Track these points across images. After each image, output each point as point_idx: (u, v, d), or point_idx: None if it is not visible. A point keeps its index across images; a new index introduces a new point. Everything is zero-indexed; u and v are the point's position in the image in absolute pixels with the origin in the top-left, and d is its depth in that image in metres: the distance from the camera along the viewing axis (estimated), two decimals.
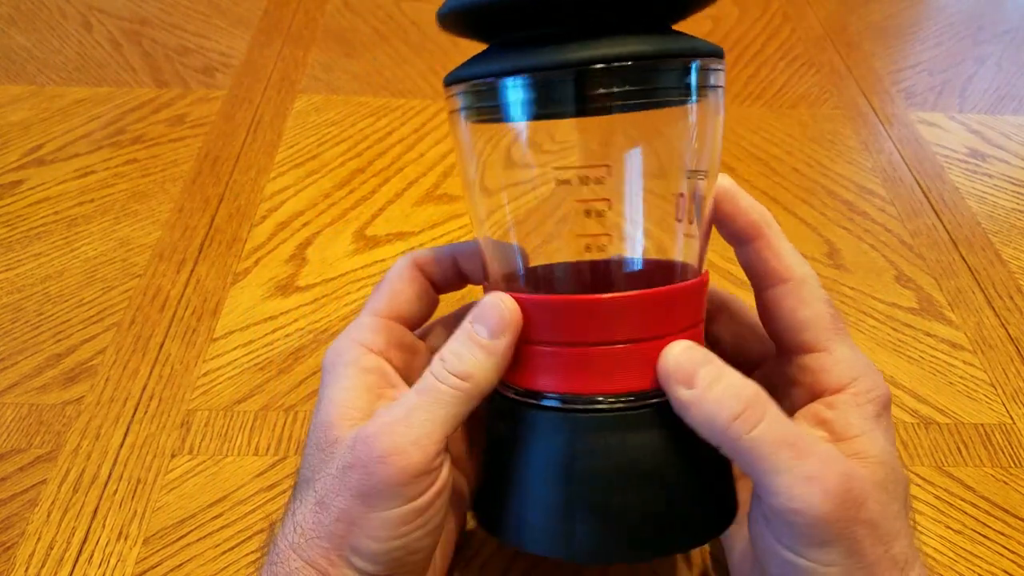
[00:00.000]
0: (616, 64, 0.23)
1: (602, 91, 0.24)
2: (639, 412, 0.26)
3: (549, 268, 0.30)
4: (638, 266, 0.29)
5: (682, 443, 0.26)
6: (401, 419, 0.25)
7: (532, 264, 0.30)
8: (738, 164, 0.57)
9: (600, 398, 0.26)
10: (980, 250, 0.51)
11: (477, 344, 0.26)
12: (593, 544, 0.26)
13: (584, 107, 0.24)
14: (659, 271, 0.29)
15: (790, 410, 0.27)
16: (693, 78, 0.25)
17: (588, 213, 0.27)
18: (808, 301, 0.28)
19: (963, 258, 0.51)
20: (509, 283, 0.29)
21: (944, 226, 0.53)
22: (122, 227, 0.49)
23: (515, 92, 0.25)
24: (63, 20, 0.68)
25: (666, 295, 0.26)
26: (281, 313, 0.45)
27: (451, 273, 0.32)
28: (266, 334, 0.43)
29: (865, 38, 0.73)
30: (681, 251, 0.29)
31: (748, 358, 0.32)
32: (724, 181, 0.29)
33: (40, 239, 0.48)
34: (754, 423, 0.24)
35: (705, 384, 0.25)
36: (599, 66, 0.23)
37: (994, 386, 0.43)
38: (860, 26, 0.75)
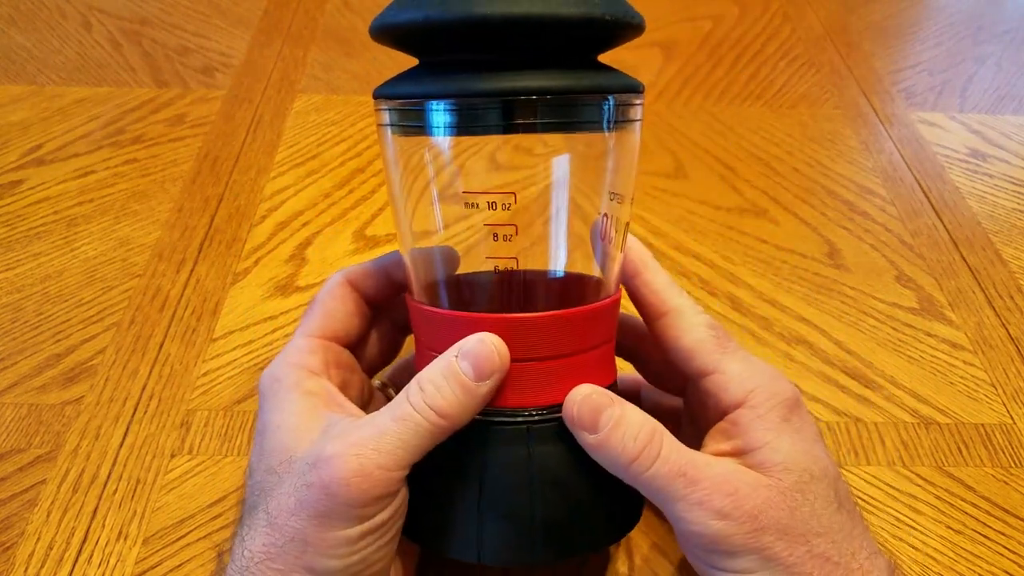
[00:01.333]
0: (534, 97, 0.25)
1: (520, 121, 0.25)
2: (546, 425, 0.27)
3: (469, 281, 0.31)
4: (556, 283, 0.30)
5: (585, 454, 0.27)
6: (370, 441, 0.25)
7: (453, 274, 0.31)
8: (738, 164, 0.57)
9: (512, 411, 0.27)
10: (980, 250, 0.51)
11: (460, 384, 0.26)
12: (500, 548, 0.27)
13: (501, 132, 0.26)
14: (575, 288, 0.30)
15: (705, 429, 0.29)
16: (608, 112, 0.27)
17: (496, 237, 0.28)
18: (687, 329, 0.29)
19: (963, 258, 0.51)
20: (429, 294, 0.30)
21: (944, 226, 0.53)
22: (122, 227, 0.49)
23: (435, 115, 0.26)
24: (63, 20, 0.68)
25: (576, 316, 0.27)
26: (281, 313, 0.45)
27: (383, 284, 0.32)
28: (266, 334, 0.43)
29: (865, 38, 0.73)
30: (596, 271, 0.30)
31: (676, 382, 0.34)
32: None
33: (40, 239, 0.48)
34: (651, 461, 0.26)
35: (606, 429, 0.26)
36: (518, 98, 0.25)
37: (994, 386, 0.43)
38: (860, 26, 0.75)
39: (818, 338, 0.45)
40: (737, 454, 0.27)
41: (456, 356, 0.26)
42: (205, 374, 0.41)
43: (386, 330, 0.34)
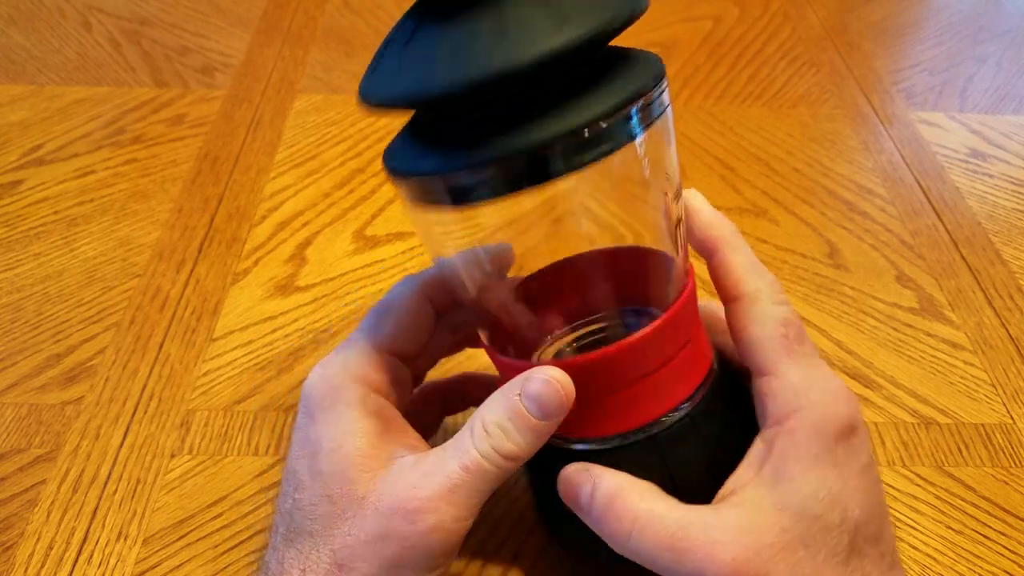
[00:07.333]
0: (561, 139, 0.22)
1: (552, 166, 0.22)
2: (644, 440, 0.27)
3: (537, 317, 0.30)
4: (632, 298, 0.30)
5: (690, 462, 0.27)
6: (444, 494, 0.24)
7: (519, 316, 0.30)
8: (738, 164, 0.57)
9: (625, 433, 0.27)
10: (980, 250, 0.51)
11: (527, 426, 0.25)
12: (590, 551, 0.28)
13: (540, 178, 0.23)
14: (647, 279, 0.29)
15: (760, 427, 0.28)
16: (640, 115, 0.24)
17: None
18: (757, 320, 0.27)
19: (963, 258, 0.51)
20: (498, 340, 0.29)
21: (944, 226, 0.53)
22: (122, 227, 0.49)
23: (464, 183, 0.23)
24: (63, 20, 0.68)
25: (654, 335, 0.26)
26: (281, 313, 0.44)
27: (449, 293, 0.30)
28: (266, 334, 0.43)
29: (865, 38, 0.73)
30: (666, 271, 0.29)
31: None
32: (690, 198, 0.29)
33: (40, 239, 0.48)
34: (630, 534, 0.25)
35: (588, 505, 0.26)
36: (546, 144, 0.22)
37: (994, 386, 0.43)
38: (860, 26, 0.75)
39: (818, 338, 0.45)
40: (763, 483, 0.26)
41: (520, 395, 0.25)
42: (205, 374, 0.41)
43: (441, 339, 0.32)
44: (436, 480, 0.25)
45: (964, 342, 0.45)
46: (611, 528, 0.25)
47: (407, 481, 0.25)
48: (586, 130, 0.22)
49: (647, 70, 0.24)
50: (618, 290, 0.29)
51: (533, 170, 0.22)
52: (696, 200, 0.29)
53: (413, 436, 0.28)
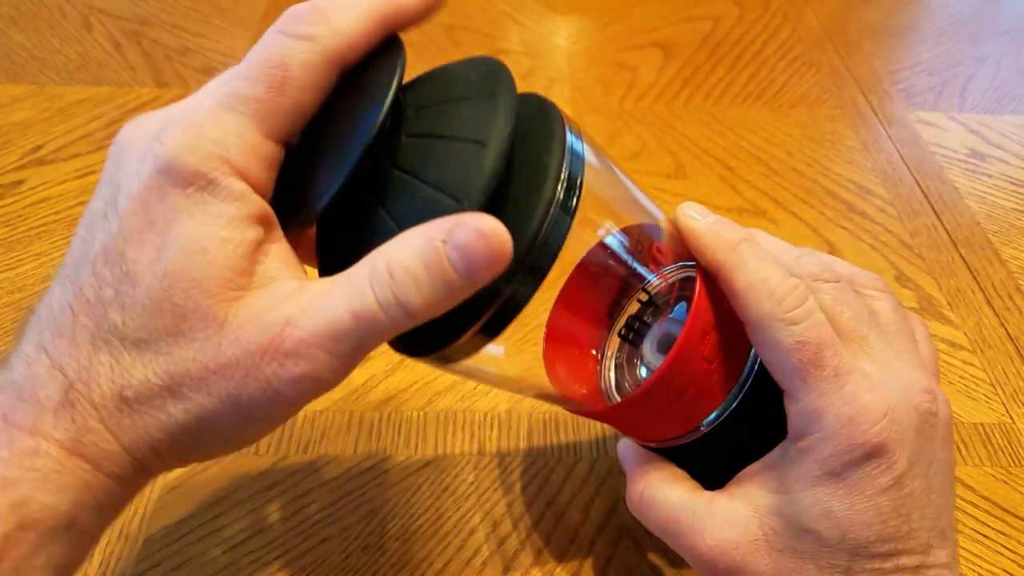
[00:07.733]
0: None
1: (518, 302, 0.23)
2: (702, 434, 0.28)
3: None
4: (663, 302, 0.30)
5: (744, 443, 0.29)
6: (324, 340, 0.20)
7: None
8: (738, 164, 0.57)
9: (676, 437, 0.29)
10: (980, 250, 0.51)
11: (444, 280, 0.20)
12: None
13: (515, 311, 0.23)
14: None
15: None
16: (565, 194, 0.23)
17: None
18: (767, 347, 0.26)
19: (963, 258, 0.51)
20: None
21: (944, 226, 0.53)
22: None
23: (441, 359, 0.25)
24: (63, 20, 0.68)
25: (670, 370, 0.26)
26: None
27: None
28: None
29: (865, 38, 0.73)
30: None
31: None
32: (683, 219, 0.28)
33: (41, 239, 0.48)
34: (639, 511, 0.29)
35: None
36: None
37: (994, 385, 0.43)
38: (860, 26, 0.75)
39: None
40: (766, 485, 0.27)
41: (445, 241, 0.20)
42: None
43: None
44: (317, 321, 0.20)
45: (963, 342, 0.45)
46: (628, 502, 0.29)
47: (281, 313, 0.20)
48: (528, 259, 0.22)
49: (550, 142, 0.23)
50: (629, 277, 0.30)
51: (505, 313, 0.23)
52: (691, 223, 0.28)
53: (293, 258, 0.23)
